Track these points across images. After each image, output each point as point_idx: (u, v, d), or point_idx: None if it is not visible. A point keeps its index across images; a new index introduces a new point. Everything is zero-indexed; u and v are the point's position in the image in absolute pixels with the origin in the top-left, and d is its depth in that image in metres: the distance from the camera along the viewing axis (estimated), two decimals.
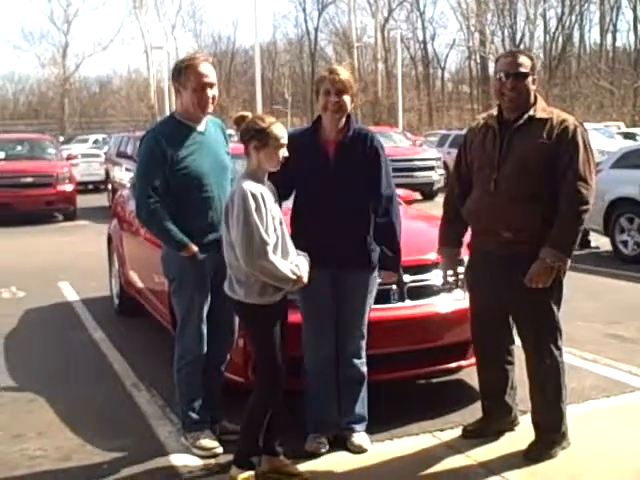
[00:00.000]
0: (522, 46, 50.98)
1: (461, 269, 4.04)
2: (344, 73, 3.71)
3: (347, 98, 3.69)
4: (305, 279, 3.43)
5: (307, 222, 3.72)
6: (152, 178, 3.67)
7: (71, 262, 9.90)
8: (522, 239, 3.56)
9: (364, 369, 3.87)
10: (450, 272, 3.97)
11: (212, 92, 3.74)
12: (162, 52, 45.25)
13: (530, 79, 3.58)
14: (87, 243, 11.34)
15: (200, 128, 3.81)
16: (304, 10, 60.52)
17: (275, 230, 3.37)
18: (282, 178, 3.58)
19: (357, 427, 3.87)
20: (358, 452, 3.79)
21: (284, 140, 3.40)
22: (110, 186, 18.29)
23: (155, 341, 5.86)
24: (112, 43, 62.56)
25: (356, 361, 3.84)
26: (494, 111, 3.75)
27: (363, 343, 3.84)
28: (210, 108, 3.76)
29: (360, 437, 3.85)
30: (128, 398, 4.76)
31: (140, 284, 6.15)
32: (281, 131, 3.40)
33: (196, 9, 73.66)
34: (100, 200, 18.87)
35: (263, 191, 3.36)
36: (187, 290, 3.79)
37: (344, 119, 3.76)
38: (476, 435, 3.91)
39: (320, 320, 3.79)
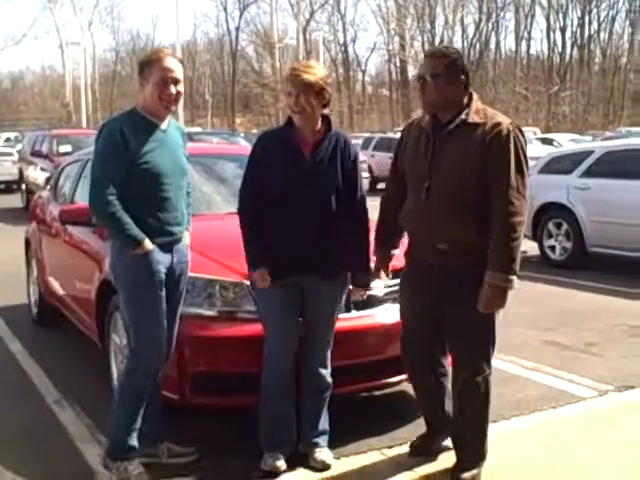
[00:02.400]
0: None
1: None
2: (307, 72, 3.47)
3: (311, 98, 3.47)
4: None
5: (277, 227, 3.51)
6: (112, 169, 3.39)
7: None
8: (457, 251, 3.39)
9: (330, 379, 3.70)
10: (382, 273, 3.79)
11: (176, 88, 3.50)
12: (78, 48, 44.14)
13: (445, 79, 3.36)
14: (1, 247, 10.77)
15: (163, 126, 3.56)
16: (225, 9, 60.35)
17: None
18: (258, 179, 3.46)
19: (321, 441, 3.70)
20: (321, 469, 3.61)
21: None
22: (24, 186, 17.61)
23: (79, 353, 5.52)
24: (25, 38, 60.39)
25: (323, 371, 3.67)
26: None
27: (329, 352, 3.68)
28: (174, 106, 3.53)
29: (323, 453, 3.67)
30: (51, 417, 4.41)
31: (62, 292, 5.79)
32: None
33: (114, 5, 71.90)
34: (13, 201, 18.15)
35: None
36: (144, 298, 3.47)
37: (320, 120, 3.57)
38: (423, 451, 3.74)
39: (286, 333, 3.58)
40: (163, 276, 3.51)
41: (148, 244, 3.43)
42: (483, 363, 3.47)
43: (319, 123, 3.57)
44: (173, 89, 3.48)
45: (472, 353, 3.47)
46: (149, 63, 3.49)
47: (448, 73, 3.38)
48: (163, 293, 3.51)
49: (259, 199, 3.54)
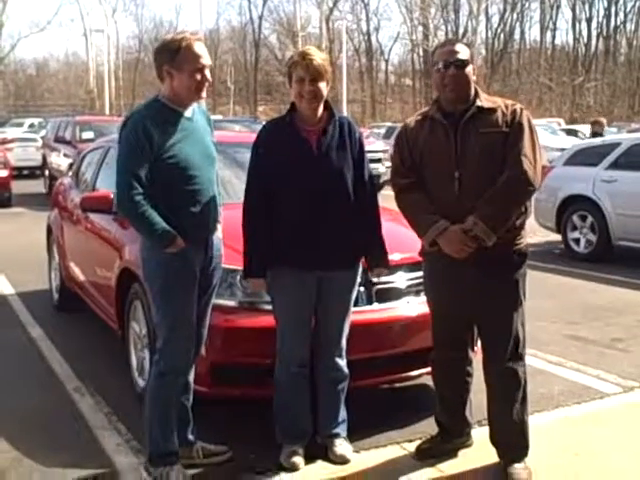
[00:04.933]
0: (465, 41, 51.63)
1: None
2: (318, 56, 3.40)
3: (323, 85, 3.41)
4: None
5: (290, 220, 3.43)
6: (136, 166, 3.22)
7: (6, 252, 9.38)
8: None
9: (346, 370, 3.66)
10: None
11: (208, 75, 3.35)
12: (102, 36, 44.27)
13: (470, 68, 3.35)
14: (23, 232, 10.83)
15: (187, 114, 3.40)
16: None
17: None
18: (264, 174, 3.40)
19: (341, 431, 3.68)
20: (341, 463, 3.57)
21: None
22: (47, 172, 17.68)
23: (98, 340, 5.51)
24: (50, 25, 60.67)
25: (340, 362, 3.63)
26: (431, 107, 3.47)
27: (344, 342, 3.63)
28: (204, 92, 3.38)
29: (343, 446, 3.64)
30: (70, 404, 4.39)
31: (82, 278, 5.78)
32: None
33: None
34: (36, 186, 18.24)
35: None
36: (176, 297, 3.34)
37: (322, 106, 3.49)
38: (431, 454, 3.64)
39: (300, 325, 3.54)
40: (197, 275, 3.39)
41: (180, 241, 3.28)
42: (521, 354, 3.45)
43: (321, 109, 3.50)
44: (209, 75, 3.34)
45: (514, 341, 3.41)
46: (180, 50, 3.28)
47: (472, 62, 3.39)
48: (195, 292, 3.40)
49: (267, 195, 3.44)
